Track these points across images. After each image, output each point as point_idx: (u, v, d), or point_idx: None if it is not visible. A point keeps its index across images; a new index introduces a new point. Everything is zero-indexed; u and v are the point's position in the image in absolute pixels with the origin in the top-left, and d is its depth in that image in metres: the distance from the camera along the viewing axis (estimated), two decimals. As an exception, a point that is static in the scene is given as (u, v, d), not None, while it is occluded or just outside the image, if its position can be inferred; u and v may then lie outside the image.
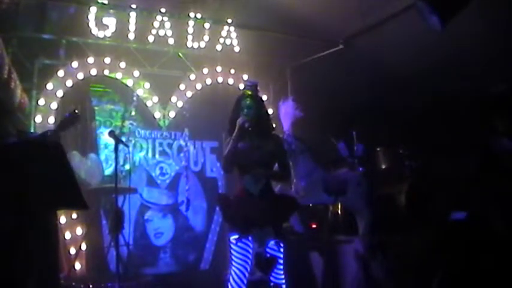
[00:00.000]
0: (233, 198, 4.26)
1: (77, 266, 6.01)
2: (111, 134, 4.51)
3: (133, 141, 7.10)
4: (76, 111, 4.03)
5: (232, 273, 4.10)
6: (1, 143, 4.05)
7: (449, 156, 7.41)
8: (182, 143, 7.44)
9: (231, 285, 4.07)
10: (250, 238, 4.10)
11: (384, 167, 7.53)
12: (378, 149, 7.92)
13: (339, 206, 6.65)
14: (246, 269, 4.10)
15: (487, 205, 6.91)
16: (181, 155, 7.49)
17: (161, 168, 7.43)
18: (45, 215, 3.49)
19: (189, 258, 7.47)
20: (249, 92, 4.26)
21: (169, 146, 7.47)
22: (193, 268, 7.44)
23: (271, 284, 4.19)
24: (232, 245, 4.13)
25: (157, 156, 7.41)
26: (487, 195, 6.87)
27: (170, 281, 6.93)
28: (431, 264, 6.52)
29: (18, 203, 3.03)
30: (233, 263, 4.12)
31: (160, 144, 7.40)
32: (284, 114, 5.03)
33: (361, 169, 6.87)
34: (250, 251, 4.13)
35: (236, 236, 4.09)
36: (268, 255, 4.12)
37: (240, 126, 4.10)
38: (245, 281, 4.08)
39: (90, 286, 5.51)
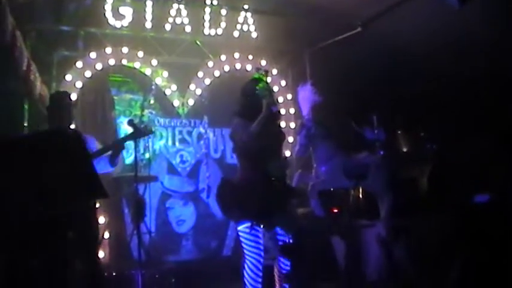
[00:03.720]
0: (246, 183, 4.10)
1: (100, 254, 6.06)
2: (130, 123, 4.52)
3: (153, 130, 7.13)
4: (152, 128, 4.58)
5: (248, 262, 4.08)
6: (20, 135, 4.13)
7: (470, 138, 7.33)
8: (202, 130, 7.46)
9: (248, 274, 4.06)
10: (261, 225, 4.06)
11: (405, 150, 7.47)
12: (399, 132, 7.86)
13: (360, 190, 6.62)
14: (261, 255, 4.08)
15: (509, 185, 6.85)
16: (201, 142, 7.51)
17: (181, 156, 7.46)
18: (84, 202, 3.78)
19: (211, 245, 7.51)
20: (264, 78, 4.23)
21: (189, 133, 7.50)
22: (215, 255, 7.48)
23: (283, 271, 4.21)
24: (244, 234, 4.08)
25: (177, 144, 7.45)
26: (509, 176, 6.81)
27: (192, 268, 6.97)
28: (454, 248, 6.48)
29: (40, 193, 3.06)
30: (247, 252, 4.09)
31: (180, 132, 7.44)
32: (303, 98, 5.00)
33: (381, 153, 6.83)
34: (261, 236, 4.11)
35: (248, 224, 4.04)
36: (290, 242, 4.11)
37: (269, 109, 3.99)
38: (260, 268, 4.07)
39: (114, 274, 5.56)
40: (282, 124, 4.35)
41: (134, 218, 5.58)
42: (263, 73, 4.22)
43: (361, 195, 6.54)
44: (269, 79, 4.62)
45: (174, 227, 7.28)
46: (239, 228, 4.12)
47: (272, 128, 4.11)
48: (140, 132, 4.60)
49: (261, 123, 3.96)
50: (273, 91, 4.31)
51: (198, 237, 7.40)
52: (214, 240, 7.52)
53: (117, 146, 4.50)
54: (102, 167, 4.41)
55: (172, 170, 7.38)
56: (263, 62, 7.49)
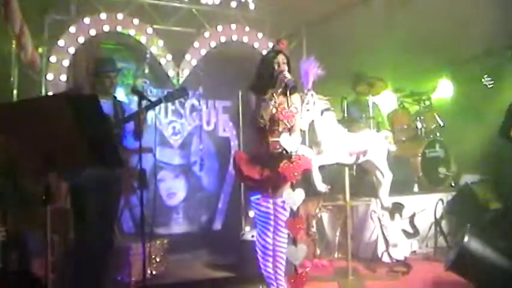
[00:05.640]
0: (256, 155, 4.13)
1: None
2: (134, 89, 4.38)
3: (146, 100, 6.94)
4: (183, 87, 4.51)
5: (258, 230, 4.16)
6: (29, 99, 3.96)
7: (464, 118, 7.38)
8: (195, 102, 7.32)
9: (259, 241, 4.14)
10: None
11: (399, 128, 7.49)
12: (393, 109, 7.87)
13: (354, 167, 6.60)
14: (270, 224, 4.13)
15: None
16: (194, 114, 7.38)
17: (173, 127, 7.32)
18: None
19: (202, 218, 7.44)
20: (283, 49, 4.17)
21: (182, 105, 7.33)
22: (205, 229, 7.42)
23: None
24: (254, 205, 4.14)
25: (169, 115, 7.29)
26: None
27: (183, 241, 6.90)
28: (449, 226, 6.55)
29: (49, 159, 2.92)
30: (257, 221, 4.17)
31: (173, 103, 7.22)
32: (305, 72, 4.87)
33: (376, 130, 6.81)
34: (271, 206, 4.14)
35: (258, 196, 4.09)
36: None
37: (285, 83, 3.93)
38: (270, 236, 4.13)
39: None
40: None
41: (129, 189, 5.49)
42: (282, 45, 4.18)
43: (354, 172, 6.55)
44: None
45: (164, 199, 7.17)
46: (252, 198, 4.15)
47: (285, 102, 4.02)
48: (173, 94, 4.49)
49: (273, 104, 3.96)
50: (289, 63, 4.19)
51: (189, 210, 7.32)
52: (204, 214, 7.45)
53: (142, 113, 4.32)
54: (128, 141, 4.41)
55: (164, 141, 7.24)
56: (259, 35, 7.36)
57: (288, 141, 3.89)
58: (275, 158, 4.01)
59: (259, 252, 4.13)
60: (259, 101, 4.04)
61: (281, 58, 4.11)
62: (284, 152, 3.95)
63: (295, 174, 3.93)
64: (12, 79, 6.17)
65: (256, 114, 4.01)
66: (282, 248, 4.14)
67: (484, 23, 6.22)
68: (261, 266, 4.14)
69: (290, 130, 3.97)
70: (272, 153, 4.05)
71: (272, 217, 4.13)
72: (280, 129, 4.04)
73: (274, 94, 3.97)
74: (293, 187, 3.95)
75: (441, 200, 6.60)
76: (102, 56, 5.41)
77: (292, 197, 3.91)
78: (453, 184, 7.39)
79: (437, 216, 6.47)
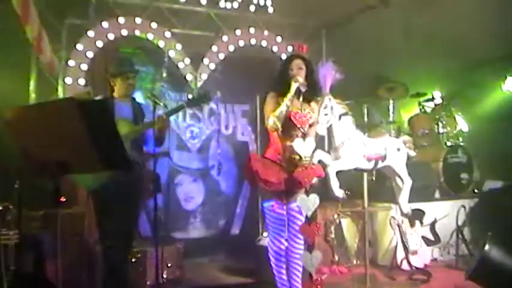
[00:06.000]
0: (270, 159, 4.10)
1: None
2: (152, 96, 4.34)
3: (162, 104, 6.92)
4: (205, 92, 4.41)
5: (270, 237, 4.12)
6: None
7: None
8: (213, 106, 7.28)
9: (271, 247, 4.10)
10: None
11: (420, 133, 7.36)
12: (414, 114, 7.74)
13: (373, 173, 6.51)
14: (283, 231, 4.09)
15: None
16: (212, 118, 7.35)
17: (191, 131, 7.29)
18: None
19: (219, 223, 7.39)
20: (302, 54, 4.15)
21: (200, 109, 7.30)
22: (223, 233, 7.37)
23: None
24: (267, 211, 4.09)
25: (187, 119, 7.27)
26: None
27: (200, 245, 6.87)
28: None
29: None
30: (269, 228, 4.13)
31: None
32: (323, 76, 4.81)
33: (395, 135, 6.71)
34: (284, 213, 4.08)
35: (272, 203, 4.05)
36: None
37: (296, 87, 3.93)
38: (283, 242, 4.08)
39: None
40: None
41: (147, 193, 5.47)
42: (300, 50, 4.17)
43: (373, 178, 6.44)
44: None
45: (182, 203, 7.14)
46: (264, 205, 4.12)
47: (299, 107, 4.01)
48: (195, 100, 4.42)
49: (285, 106, 3.93)
50: (311, 67, 4.17)
51: (207, 214, 7.27)
52: (222, 218, 7.40)
53: (164, 119, 4.27)
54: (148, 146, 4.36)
55: (182, 145, 7.21)
56: (278, 39, 7.30)
57: (301, 146, 3.85)
58: (290, 162, 3.99)
59: (272, 259, 4.09)
60: (275, 105, 4.02)
61: (297, 62, 4.11)
62: (298, 157, 3.92)
63: (309, 179, 3.89)
64: (30, 83, 6.24)
65: (271, 118, 3.96)
66: (297, 254, 4.07)
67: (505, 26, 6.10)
68: (275, 272, 4.09)
69: (304, 135, 3.93)
70: (287, 158, 4.01)
71: (285, 223, 4.08)
72: (296, 134, 4.01)
73: (289, 99, 3.93)
74: (307, 192, 3.90)
75: (463, 206, 6.47)
76: (120, 57, 5.38)
77: (306, 203, 3.86)
78: (476, 190, 7.22)
79: (460, 223, 6.34)
